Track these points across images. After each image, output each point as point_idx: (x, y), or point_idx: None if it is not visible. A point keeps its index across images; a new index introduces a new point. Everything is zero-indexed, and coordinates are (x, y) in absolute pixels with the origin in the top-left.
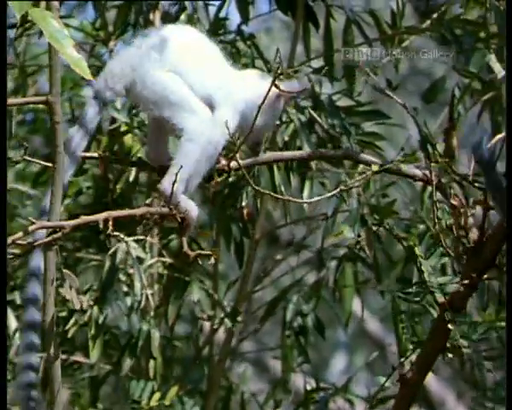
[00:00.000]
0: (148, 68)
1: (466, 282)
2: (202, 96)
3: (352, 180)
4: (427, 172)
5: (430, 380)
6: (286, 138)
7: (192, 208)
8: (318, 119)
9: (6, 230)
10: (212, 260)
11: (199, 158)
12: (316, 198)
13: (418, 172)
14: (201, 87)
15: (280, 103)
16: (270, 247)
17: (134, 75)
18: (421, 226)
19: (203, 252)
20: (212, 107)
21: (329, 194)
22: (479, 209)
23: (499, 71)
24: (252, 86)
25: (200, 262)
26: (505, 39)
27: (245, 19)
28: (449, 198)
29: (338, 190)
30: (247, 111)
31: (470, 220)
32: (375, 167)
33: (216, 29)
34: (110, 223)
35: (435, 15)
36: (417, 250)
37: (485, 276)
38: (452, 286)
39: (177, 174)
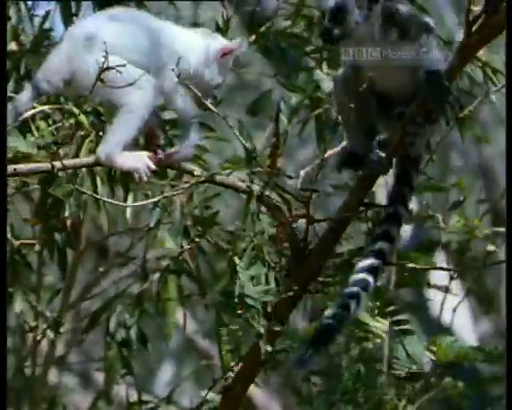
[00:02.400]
0: (85, 56)
1: (288, 294)
2: (142, 66)
3: (174, 189)
4: (249, 184)
5: (256, 393)
6: None
7: (139, 159)
8: None
9: (6, 229)
10: (37, 248)
11: (135, 126)
12: (136, 203)
13: (241, 185)
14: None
15: (227, 61)
16: (99, 258)
17: (72, 65)
18: (246, 238)
19: (27, 241)
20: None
21: (150, 200)
22: (302, 222)
23: (328, 86)
24: (198, 44)
25: (23, 252)
26: (506, 39)
27: None
28: (273, 210)
29: (159, 197)
30: (197, 68)
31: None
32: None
33: (40, 40)
34: None
35: (262, 29)
36: (236, 260)
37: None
38: (270, 297)
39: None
